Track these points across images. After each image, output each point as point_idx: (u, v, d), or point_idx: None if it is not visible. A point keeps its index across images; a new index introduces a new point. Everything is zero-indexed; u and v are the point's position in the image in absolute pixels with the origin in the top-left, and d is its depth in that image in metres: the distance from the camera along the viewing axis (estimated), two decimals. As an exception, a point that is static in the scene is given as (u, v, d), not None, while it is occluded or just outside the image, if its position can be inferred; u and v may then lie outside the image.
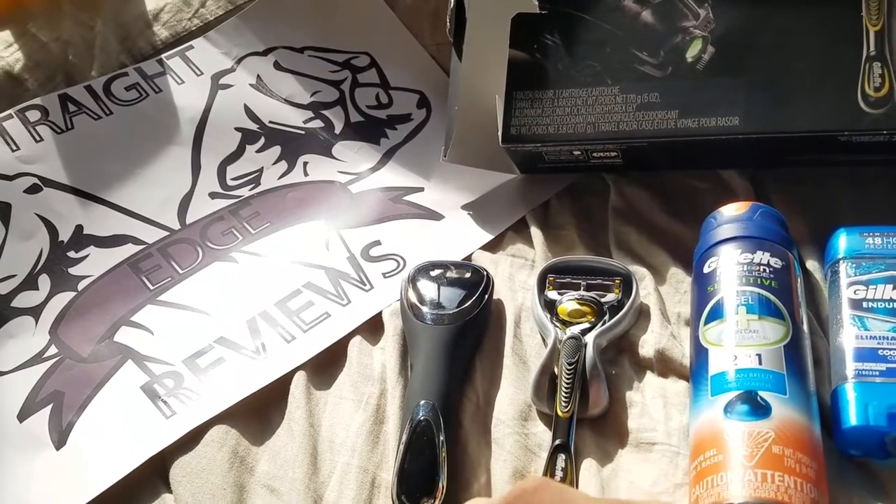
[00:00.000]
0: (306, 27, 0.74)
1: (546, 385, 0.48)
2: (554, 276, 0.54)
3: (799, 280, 0.48)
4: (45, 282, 0.59)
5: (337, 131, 0.70)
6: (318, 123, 0.70)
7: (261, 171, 0.67)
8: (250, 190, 0.65)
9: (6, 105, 0.66)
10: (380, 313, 0.56)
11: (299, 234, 0.63)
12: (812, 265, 0.52)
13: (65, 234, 0.61)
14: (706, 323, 0.46)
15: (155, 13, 0.73)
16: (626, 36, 0.58)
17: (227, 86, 0.70)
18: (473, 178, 0.65)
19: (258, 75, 0.71)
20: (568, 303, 0.52)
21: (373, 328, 0.56)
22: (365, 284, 0.59)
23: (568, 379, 0.47)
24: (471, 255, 0.60)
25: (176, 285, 0.59)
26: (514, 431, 0.47)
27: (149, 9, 0.73)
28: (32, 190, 0.62)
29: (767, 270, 0.46)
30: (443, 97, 0.69)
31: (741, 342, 0.43)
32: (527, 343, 0.52)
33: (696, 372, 0.45)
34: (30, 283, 0.58)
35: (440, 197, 0.65)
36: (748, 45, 0.56)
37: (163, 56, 0.71)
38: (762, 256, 0.47)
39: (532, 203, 0.63)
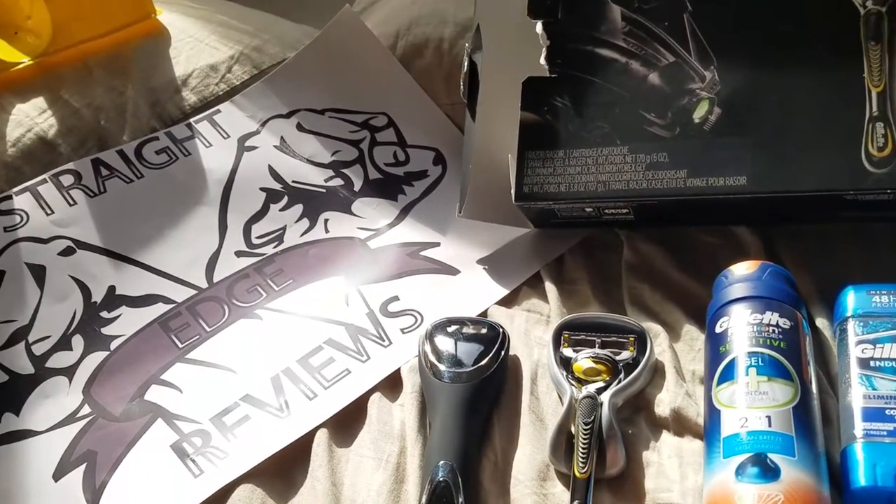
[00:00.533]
0: (327, 90, 0.77)
1: (564, 444, 0.49)
2: (569, 333, 0.55)
3: (808, 339, 0.49)
4: (78, 342, 0.61)
5: (356, 189, 0.72)
6: (338, 181, 0.72)
7: (284, 228, 0.69)
8: (274, 248, 0.68)
9: (41, 170, 0.69)
10: (398, 369, 0.58)
11: (320, 291, 0.65)
12: (821, 322, 0.53)
13: (98, 295, 0.63)
14: (719, 383, 0.47)
15: (183, 79, 0.76)
16: (634, 98, 0.60)
17: (253, 147, 0.73)
18: (488, 232, 0.67)
19: (282, 137, 0.74)
20: (583, 361, 0.53)
21: (392, 384, 0.57)
22: (384, 340, 0.61)
23: (585, 439, 0.48)
24: (486, 309, 0.62)
25: (203, 343, 0.61)
26: (532, 492, 0.48)
27: (177, 75, 0.76)
28: (66, 252, 0.65)
29: (776, 331, 0.48)
30: (458, 154, 0.71)
31: (752, 404, 0.45)
32: (543, 401, 0.54)
33: (709, 433, 0.46)
34: (64, 343, 0.60)
35: (456, 252, 0.67)
36: (754, 106, 0.57)
37: (191, 120, 0.74)
38: (771, 317, 0.48)
39: (546, 258, 0.64)
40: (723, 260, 0.56)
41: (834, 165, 0.54)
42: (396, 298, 0.63)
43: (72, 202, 0.68)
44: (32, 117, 0.72)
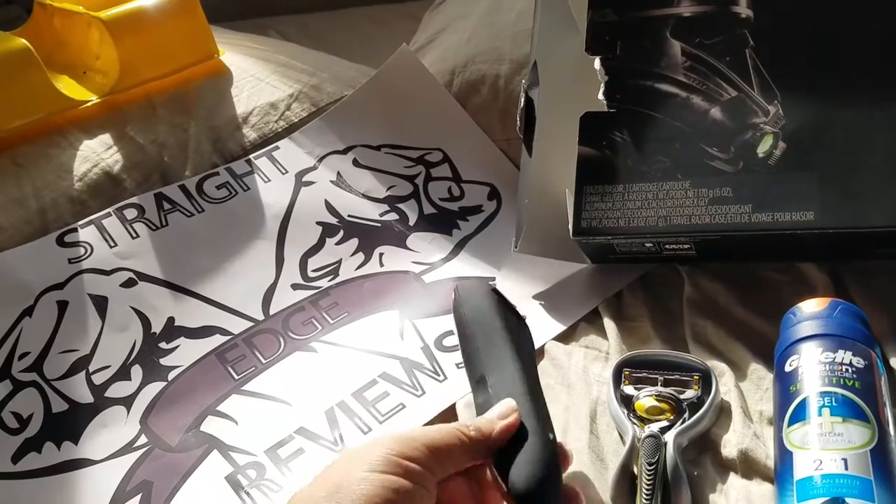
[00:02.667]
0: (383, 126, 0.78)
1: (626, 485, 0.48)
2: (630, 371, 0.54)
3: (883, 379, 0.47)
4: (137, 372, 0.61)
5: (411, 223, 0.72)
6: (393, 216, 0.73)
7: (339, 262, 0.69)
8: (329, 281, 0.68)
9: (105, 204, 0.71)
10: (453, 405, 0.57)
11: (375, 324, 0.65)
12: (896, 363, 0.51)
13: (157, 326, 0.64)
14: (790, 424, 0.45)
15: (244, 116, 0.78)
16: (696, 132, 0.60)
17: (310, 183, 0.74)
18: (544, 267, 0.67)
19: (338, 172, 0.75)
20: (645, 399, 0.52)
21: (447, 420, 0.56)
22: (439, 375, 0.60)
23: (649, 480, 0.47)
24: (543, 345, 0.61)
25: (259, 375, 0.61)
26: (593, 532, 0.47)
27: (238, 112, 0.78)
28: (128, 284, 0.66)
29: (850, 370, 0.46)
30: (513, 189, 0.71)
31: (826, 446, 0.43)
32: (603, 439, 0.52)
33: (781, 475, 0.44)
34: (123, 373, 0.61)
35: (512, 286, 0.66)
36: (820, 140, 0.56)
37: (251, 156, 0.75)
38: (844, 356, 0.46)
39: (604, 294, 0.63)
40: (789, 297, 0.55)
41: (905, 200, 0.53)
42: (451, 333, 0.63)
43: (135, 235, 0.69)
44: (99, 153, 0.74)
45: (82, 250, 0.67)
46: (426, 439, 0.38)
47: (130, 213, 0.70)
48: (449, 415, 0.57)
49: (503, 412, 0.43)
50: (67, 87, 0.78)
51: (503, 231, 0.71)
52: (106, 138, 0.75)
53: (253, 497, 0.53)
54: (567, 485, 0.44)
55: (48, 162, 0.73)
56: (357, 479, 0.35)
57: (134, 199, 0.71)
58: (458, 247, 0.71)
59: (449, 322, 0.64)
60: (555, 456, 0.43)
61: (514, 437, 0.43)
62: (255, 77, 0.81)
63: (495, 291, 0.52)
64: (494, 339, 0.49)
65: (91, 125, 0.76)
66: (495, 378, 0.47)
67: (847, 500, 0.40)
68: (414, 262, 0.69)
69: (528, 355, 0.49)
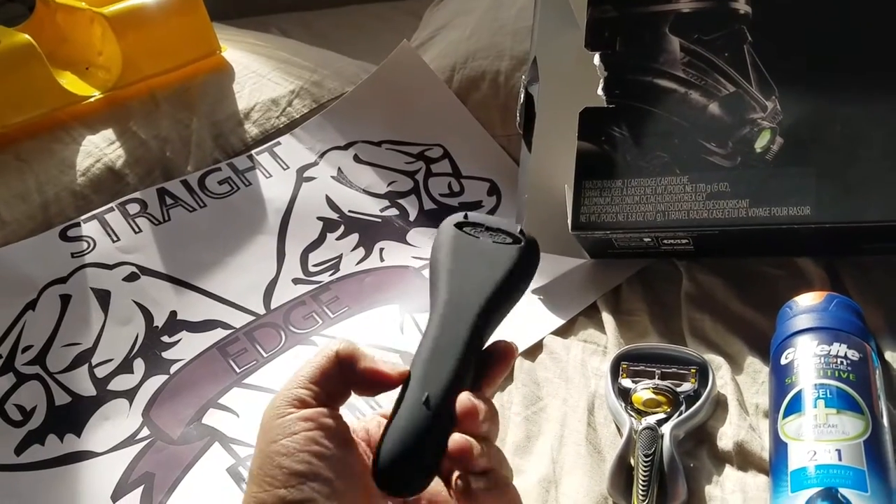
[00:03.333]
0: (384, 122, 0.78)
1: (623, 477, 0.48)
2: (627, 364, 0.54)
3: (877, 372, 0.48)
4: (139, 365, 0.62)
5: (411, 218, 0.73)
6: (393, 211, 0.73)
7: (340, 257, 0.70)
8: (330, 275, 0.68)
9: (108, 199, 0.71)
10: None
11: (375, 318, 0.65)
12: (890, 356, 0.51)
13: (159, 320, 0.65)
14: (785, 416, 0.46)
15: (246, 112, 0.78)
16: (694, 127, 0.60)
17: (311, 178, 0.75)
18: (543, 262, 0.65)
19: (339, 168, 0.75)
20: (643, 392, 0.52)
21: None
22: (439, 369, 0.60)
23: (645, 471, 0.47)
24: (542, 339, 0.61)
25: (260, 368, 0.62)
26: (590, 523, 0.47)
27: (240, 108, 0.78)
28: (131, 278, 0.67)
29: (845, 363, 0.46)
30: (512, 185, 0.72)
31: (820, 437, 0.43)
32: (601, 432, 0.53)
33: (775, 466, 0.44)
34: (125, 366, 0.62)
35: (511, 282, 0.66)
36: (817, 135, 0.56)
37: (252, 152, 0.76)
38: (839, 348, 0.47)
39: (603, 288, 0.64)
40: (786, 291, 0.55)
41: (902, 195, 0.53)
42: (451, 327, 0.63)
43: (137, 230, 0.70)
44: (102, 148, 0.74)
45: (85, 245, 0.68)
46: (307, 375, 0.37)
47: (133, 208, 0.71)
48: (448, 408, 0.57)
49: (388, 364, 0.38)
50: (70, 82, 0.78)
51: (503, 226, 0.71)
52: (108, 133, 0.76)
53: (254, 488, 0.54)
54: (499, 342, 0.39)
55: (51, 157, 0.73)
56: (264, 461, 0.35)
57: (136, 194, 0.72)
58: (459, 242, 0.71)
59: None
60: (421, 425, 0.35)
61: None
62: (257, 73, 0.81)
63: (462, 224, 0.41)
64: (437, 282, 0.40)
65: (94, 120, 0.76)
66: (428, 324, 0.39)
67: (840, 490, 0.40)
68: (414, 257, 0.70)
69: (478, 298, 0.39)
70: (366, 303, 0.66)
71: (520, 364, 0.58)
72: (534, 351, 0.60)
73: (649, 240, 0.61)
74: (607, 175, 0.62)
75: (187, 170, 0.74)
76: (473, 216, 0.41)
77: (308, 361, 0.38)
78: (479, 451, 0.36)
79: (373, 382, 0.38)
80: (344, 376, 0.37)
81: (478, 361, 0.38)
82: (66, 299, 0.65)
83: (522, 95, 0.68)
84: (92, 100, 0.77)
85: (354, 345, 0.38)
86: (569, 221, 0.62)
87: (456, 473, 0.37)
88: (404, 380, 0.37)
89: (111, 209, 0.70)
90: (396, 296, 0.67)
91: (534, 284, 0.65)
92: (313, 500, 0.34)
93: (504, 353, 0.39)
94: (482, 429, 0.36)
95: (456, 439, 0.36)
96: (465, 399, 0.36)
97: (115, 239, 0.69)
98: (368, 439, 0.39)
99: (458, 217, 0.41)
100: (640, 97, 0.62)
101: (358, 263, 0.69)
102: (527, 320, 0.63)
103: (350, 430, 0.38)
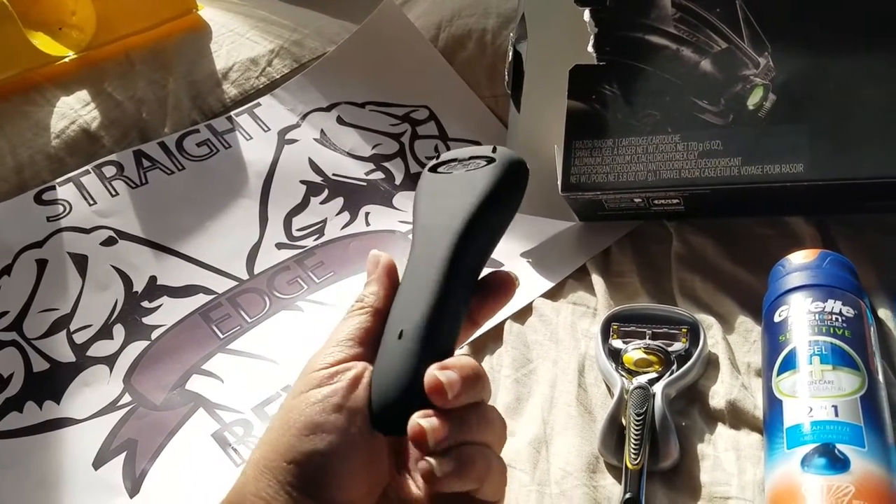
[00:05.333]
0: (368, 83, 0.76)
1: (614, 436, 0.48)
2: (618, 325, 0.54)
3: (872, 329, 0.47)
4: (119, 331, 0.61)
5: (397, 182, 0.71)
6: (379, 175, 0.72)
7: (324, 221, 0.68)
8: (315, 240, 0.67)
9: (84, 161, 0.69)
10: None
11: (361, 283, 0.64)
12: (884, 314, 0.51)
13: (139, 285, 0.63)
14: (779, 373, 0.45)
15: (224, 72, 0.76)
16: (686, 85, 0.59)
17: (293, 140, 0.73)
18: (532, 225, 0.66)
19: (322, 130, 0.74)
20: (634, 352, 0.52)
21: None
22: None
23: (637, 430, 0.47)
24: (532, 302, 0.60)
25: (245, 334, 0.61)
26: (582, 483, 0.46)
27: (218, 68, 0.76)
28: (108, 242, 0.65)
29: (840, 319, 0.46)
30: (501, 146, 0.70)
31: (816, 393, 0.43)
32: (591, 393, 0.52)
33: (770, 424, 0.44)
34: (105, 332, 0.60)
35: (500, 245, 0.65)
36: (810, 92, 0.56)
37: (232, 113, 0.74)
38: (834, 305, 0.46)
39: (592, 250, 0.63)
40: (777, 250, 0.54)
41: (894, 152, 0.53)
42: (439, 291, 0.62)
43: (114, 193, 0.68)
44: (76, 110, 0.72)
45: (61, 208, 0.66)
46: (341, 337, 0.37)
47: (109, 171, 0.69)
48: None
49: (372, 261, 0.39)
50: (43, 43, 0.76)
51: (490, 189, 0.70)
52: (83, 95, 0.74)
53: (240, 453, 0.53)
54: (498, 271, 0.37)
55: (24, 119, 0.71)
56: (288, 408, 0.35)
57: (113, 157, 0.70)
58: (445, 205, 0.70)
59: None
60: (406, 363, 0.34)
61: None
62: (235, 32, 0.79)
63: (436, 167, 0.39)
64: (415, 229, 0.38)
65: (68, 82, 0.74)
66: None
67: (837, 445, 0.40)
68: (400, 222, 0.69)
69: (455, 224, 0.36)
70: (351, 268, 0.65)
71: (509, 327, 0.58)
72: (523, 314, 0.59)
73: (640, 200, 0.60)
74: (598, 134, 0.60)
75: (164, 132, 0.72)
76: (446, 154, 0.39)
77: (342, 323, 0.38)
78: (455, 393, 0.33)
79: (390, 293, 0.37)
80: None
81: (472, 291, 0.36)
82: (42, 264, 0.63)
83: (510, 54, 0.66)
84: (66, 60, 0.75)
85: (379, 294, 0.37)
86: (559, 182, 0.61)
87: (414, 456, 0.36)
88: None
89: (87, 172, 0.69)
90: (382, 260, 0.65)
91: (522, 247, 0.65)
92: (323, 452, 0.34)
93: (502, 281, 0.37)
94: (459, 401, 0.34)
95: (430, 377, 0.34)
96: (430, 374, 0.34)
97: (91, 202, 0.67)
98: None
99: (431, 162, 0.39)
100: (632, 54, 0.61)
101: (343, 228, 0.68)
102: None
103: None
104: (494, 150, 0.37)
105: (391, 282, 0.38)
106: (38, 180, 0.68)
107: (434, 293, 0.34)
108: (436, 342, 0.34)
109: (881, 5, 0.56)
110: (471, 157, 0.38)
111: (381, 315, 0.37)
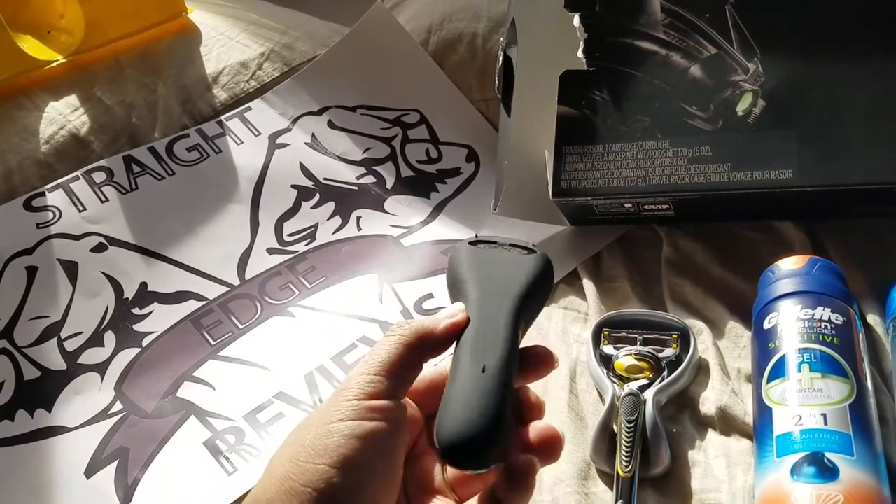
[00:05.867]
0: (358, 87, 0.76)
1: (606, 443, 0.48)
2: (609, 331, 0.54)
3: (861, 336, 0.48)
4: (110, 338, 0.60)
5: (388, 186, 0.71)
6: (370, 179, 0.72)
7: (316, 226, 0.68)
8: (306, 245, 0.67)
9: (73, 167, 0.69)
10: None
11: (354, 289, 0.64)
12: (873, 319, 0.51)
13: (129, 292, 0.63)
14: (769, 381, 0.45)
15: (214, 76, 0.76)
16: (675, 91, 0.59)
17: (284, 145, 0.73)
18: (523, 230, 0.66)
19: (313, 134, 0.73)
20: (625, 358, 0.52)
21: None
22: (419, 339, 0.59)
23: (628, 437, 0.47)
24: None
25: (236, 340, 0.61)
26: (574, 490, 0.47)
27: (208, 72, 0.76)
28: (98, 249, 0.65)
29: (829, 327, 0.46)
30: (491, 151, 0.70)
31: (805, 401, 0.43)
32: (583, 399, 0.52)
33: (760, 431, 0.44)
34: (96, 339, 0.60)
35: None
36: (799, 98, 0.56)
37: (222, 117, 0.74)
38: (823, 312, 0.47)
39: (583, 255, 0.63)
40: (767, 256, 0.55)
41: (883, 157, 0.53)
42: (431, 296, 0.62)
43: (104, 199, 0.67)
44: (65, 115, 0.72)
45: (51, 215, 0.66)
46: (378, 365, 0.37)
47: (99, 177, 0.69)
48: (429, 377, 0.56)
49: (446, 313, 0.39)
50: (31, 47, 0.76)
51: (482, 193, 0.70)
52: (72, 99, 0.73)
53: (232, 461, 0.53)
54: (538, 346, 0.39)
55: (13, 124, 0.70)
56: (322, 433, 0.35)
57: (102, 162, 0.69)
58: (437, 210, 0.70)
59: (428, 285, 0.63)
60: (483, 390, 0.35)
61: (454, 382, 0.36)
62: (225, 35, 0.79)
63: (477, 241, 0.43)
64: (462, 288, 0.40)
65: (57, 86, 0.74)
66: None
67: (826, 454, 0.40)
68: (392, 226, 0.69)
69: (512, 291, 0.39)
70: (343, 273, 0.65)
71: (501, 332, 0.58)
72: (514, 319, 0.59)
73: (630, 205, 0.60)
74: (588, 140, 0.61)
75: (154, 136, 0.72)
76: (484, 235, 0.43)
77: (382, 346, 0.38)
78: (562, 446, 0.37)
79: (452, 337, 0.38)
80: (420, 354, 0.38)
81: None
82: (32, 271, 0.63)
83: (501, 58, 0.66)
84: (54, 65, 0.74)
85: (414, 326, 0.38)
86: (549, 188, 0.61)
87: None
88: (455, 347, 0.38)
89: (76, 178, 0.68)
90: (375, 265, 0.65)
91: (514, 251, 0.65)
92: (356, 489, 0.34)
93: (543, 357, 0.39)
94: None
95: (541, 425, 0.37)
96: (528, 390, 0.38)
97: (81, 208, 0.67)
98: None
99: (469, 238, 0.43)
100: (621, 60, 0.61)
101: (335, 233, 0.68)
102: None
103: (408, 418, 0.38)
104: (534, 245, 0.42)
105: (456, 328, 0.39)
106: (28, 186, 0.67)
107: (508, 340, 0.37)
108: (512, 382, 0.36)
109: (870, 12, 0.56)
110: (511, 245, 0.42)
111: (418, 345, 0.38)
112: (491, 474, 0.36)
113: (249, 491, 0.49)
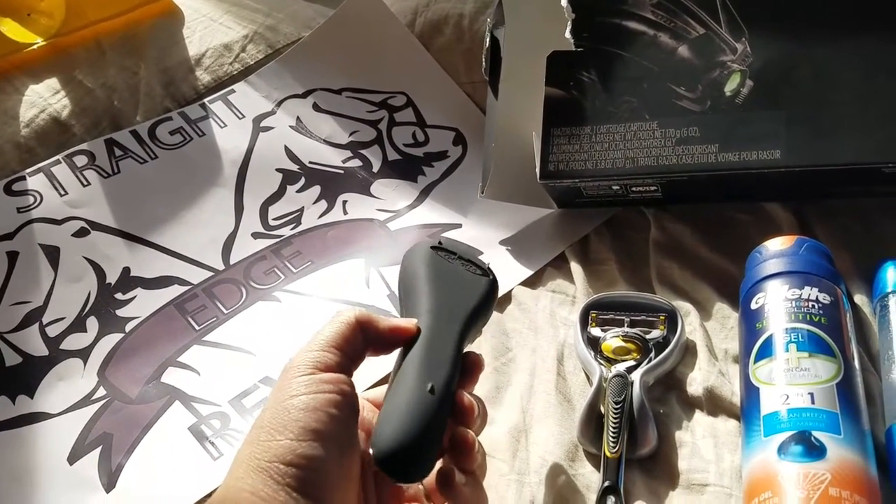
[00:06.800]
0: (344, 69, 0.75)
1: (593, 424, 0.48)
2: (597, 313, 0.54)
3: (848, 315, 0.47)
4: (93, 324, 0.60)
5: (375, 170, 0.71)
6: (356, 163, 0.71)
7: (301, 210, 0.67)
8: (291, 229, 0.66)
9: (54, 151, 0.68)
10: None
11: (340, 273, 0.64)
12: (860, 299, 0.51)
13: (112, 277, 0.62)
14: (756, 361, 0.45)
15: (197, 58, 0.75)
16: (663, 71, 0.59)
17: (268, 128, 0.72)
18: (511, 213, 0.66)
19: (298, 117, 0.73)
20: (612, 340, 0.52)
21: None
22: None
23: (615, 418, 0.47)
24: (510, 290, 0.60)
25: (221, 325, 0.60)
26: (561, 471, 0.46)
27: (191, 54, 0.75)
28: (80, 233, 0.64)
29: (816, 306, 0.46)
30: (478, 134, 0.70)
31: (792, 381, 0.43)
32: (571, 381, 0.52)
33: (747, 411, 0.44)
34: (78, 325, 0.59)
35: (478, 233, 0.65)
36: (787, 78, 0.56)
37: (205, 100, 0.72)
38: (810, 292, 0.46)
39: (571, 238, 0.63)
40: (754, 237, 0.55)
41: (872, 138, 0.53)
42: (418, 279, 0.62)
43: (85, 183, 0.67)
44: (46, 98, 0.71)
45: (31, 199, 0.65)
46: (324, 342, 0.39)
47: (80, 160, 0.68)
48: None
49: (399, 320, 0.41)
50: (11, 30, 0.74)
51: (469, 177, 0.69)
52: (53, 83, 0.72)
53: (218, 446, 0.52)
54: (469, 352, 0.42)
55: (-8, 107, 0.69)
56: (279, 410, 0.36)
57: (84, 146, 0.68)
58: (424, 193, 0.69)
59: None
60: (429, 410, 0.37)
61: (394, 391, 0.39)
62: (208, 17, 0.78)
63: (439, 248, 0.47)
64: (417, 289, 0.44)
65: (37, 69, 0.73)
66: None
67: (814, 433, 0.40)
68: (378, 210, 0.68)
69: (461, 312, 0.43)
70: (330, 257, 0.64)
71: (488, 315, 0.57)
72: (502, 302, 0.59)
73: (618, 187, 0.60)
74: (576, 121, 0.60)
75: (136, 119, 0.71)
76: (447, 243, 0.47)
77: (327, 326, 0.40)
78: (477, 449, 0.39)
79: (394, 339, 0.41)
80: (364, 340, 0.40)
81: None
82: (13, 256, 0.62)
83: (488, 40, 0.66)
84: (34, 47, 0.73)
85: (358, 310, 0.41)
86: (537, 170, 0.61)
87: (439, 466, 0.39)
88: (402, 356, 0.40)
89: (57, 161, 0.67)
90: (361, 249, 0.65)
91: (501, 235, 0.65)
92: (322, 458, 0.35)
93: (475, 363, 0.43)
94: (476, 424, 0.41)
95: (460, 432, 0.39)
96: (464, 395, 0.40)
97: (62, 193, 0.66)
98: (362, 419, 0.40)
99: (431, 241, 0.47)
100: (609, 40, 0.60)
101: (320, 217, 0.67)
102: (495, 271, 0.62)
103: (359, 401, 0.39)
104: (489, 268, 0.47)
105: (401, 334, 0.41)
106: (8, 170, 0.66)
107: (454, 360, 0.40)
108: (452, 400, 0.40)
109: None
110: (469, 261, 0.47)
111: (360, 328, 0.40)
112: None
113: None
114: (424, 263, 0.45)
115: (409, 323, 0.41)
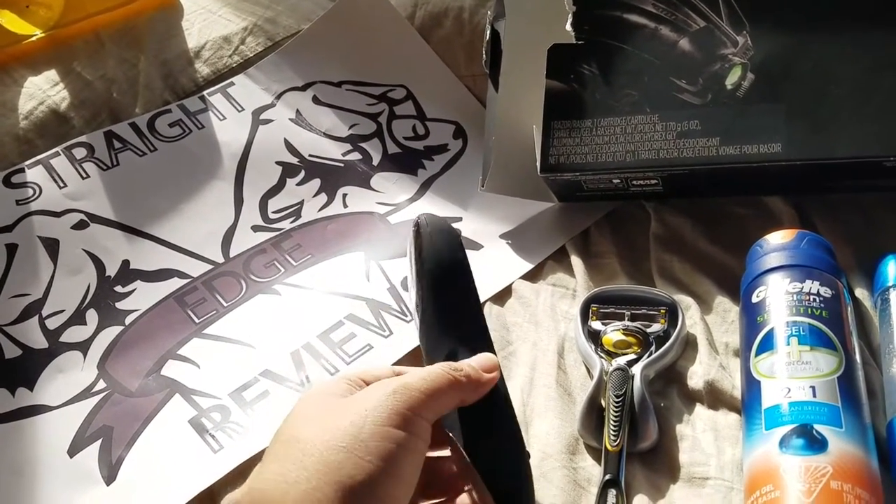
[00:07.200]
0: (343, 62, 0.75)
1: (594, 418, 0.48)
2: (597, 306, 0.54)
3: (849, 309, 0.47)
4: (92, 316, 0.60)
5: (375, 163, 0.70)
6: (356, 156, 0.71)
7: (301, 203, 0.67)
8: (291, 223, 0.66)
9: (53, 143, 0.67)
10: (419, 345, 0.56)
11: (340, 266, 0.63)
12: (861, 293, 0.51)
13: (112, 269, 0.62)
14: (757, 354, 0.45)
15: (196, 51, 0.74)
16: (664, 64, 0.59)
17: (268, 121, 0.72)
18: (511, 207, 0.66)
19: (297, 110, 0.72)
20: (613, 333, 0.52)
21: (415, 360, 0.56)
22: (406, 315, 0.59)
23: (616, 412, 0.47)
24: (511, 284, 0.60)
25: (221, 318, 0.60)
26: (562, 465, 0.47)
27: (190, 46, 0.74)
28: (80, 226, 0.64)
29: (817, 300, 0.46)
30: (479, 127, 0.70)
31: (794, 374, 0.43)
32: (571, 374, 0.52)
33: (748, 404, 0.44)
34: (78, 317, 0.59)
35: (479, 226, 0.65)
36: (788, 71, 0.55)
37: (205, 93, 0.72)
38: (811, 286, 0.46)
39: (571, 231, 0.63)
40: (755, 231, 0.55)
41: (873, 132, 0.53)
42: (418, 273, 0.62)
43: (85, 175, 0.66)
44: (45, 90, 0.71)
45: (30, 191, 0.65)
46: (424, 387, 0.38)
47: (79, 153, 0.67)
48: (416, 355, 0.56)
49: (485, 365, 0.41)
50: (9, 21, 0.74)
51: (469, 170, 0.69)
52: (52, 74, 0.72)
53: (218, 439, 0.52)
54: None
55: (-10, 99, 0.69)
56: (370, 433, 0.36)
57: (83, 138, 0.68)
58: (424, 187, 0.69)
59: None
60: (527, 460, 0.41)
61: (482, 410, 0.40)
62: (207, 10, 0.77)
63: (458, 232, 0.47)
64: (456, 282, 0.44)
65: (36, 61, 0.73)
66: (461, 329, 0.43)
67: (815, 426, 0.40)
68: (379, 203, 0.68)
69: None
70: (330, 250, 0.64)
71: (489, 309, 0.57)
72: (503, 296, 0.59)
73: (618, 181, 0.60)
74: (576, 115, 0.60)
75: (135, 112, 0.71)
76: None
77: (432, 375, 0.39)
78: None
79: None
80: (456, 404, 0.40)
81: None
82: (12, 249, 0.62)
83: (488, 32, 0.65)
84: (33, 39, 0.73)
85: (468, 372, 0.41)
86: (537, 163, 0.60)
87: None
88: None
89: (57, 154, 0.67)
90: (361, 243, 0.65)
91: (502, 229, 0.65)
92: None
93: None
94: None
95: None
96: None
97: (61, 185, 0.65)
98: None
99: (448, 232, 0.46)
100: (610, 33, 0.60)
101: (320, 210, 0.67)
102: (495, 265, 0.62)
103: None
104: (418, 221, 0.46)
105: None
106: (7, 163, 0.66)
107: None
108: None
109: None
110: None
111: (455, 395, 0.40)
112: None
113: (237, 468, 0.50)
114: (456, 248, 0.45)
115: (495, 372, 0.41)
